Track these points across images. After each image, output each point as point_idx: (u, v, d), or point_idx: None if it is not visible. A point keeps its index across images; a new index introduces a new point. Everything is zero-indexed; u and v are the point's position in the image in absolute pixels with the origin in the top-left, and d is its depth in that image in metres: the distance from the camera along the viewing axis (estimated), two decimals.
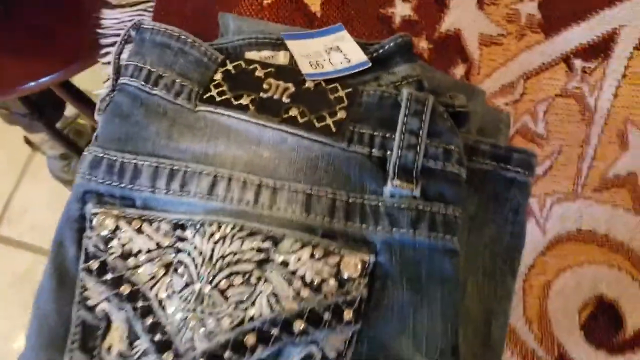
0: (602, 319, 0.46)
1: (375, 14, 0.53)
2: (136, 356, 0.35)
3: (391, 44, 0.42)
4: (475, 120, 0.42)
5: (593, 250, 0.48)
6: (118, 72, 0.41)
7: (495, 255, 0.39)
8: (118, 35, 0.59)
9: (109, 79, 0.59)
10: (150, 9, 0.59)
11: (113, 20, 0.59)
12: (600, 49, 0.52)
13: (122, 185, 0.37)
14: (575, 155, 0.50)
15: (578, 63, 0.52)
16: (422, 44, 0.52)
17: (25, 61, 0.62)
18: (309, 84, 0.39)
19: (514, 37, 0.52)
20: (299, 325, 0.33)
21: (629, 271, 0.47)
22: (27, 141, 1.29)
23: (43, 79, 0.61)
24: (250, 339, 0.33)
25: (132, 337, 0.35)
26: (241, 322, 0.34)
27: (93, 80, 0.78)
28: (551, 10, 0.53)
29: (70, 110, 1.27)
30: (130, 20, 0.59)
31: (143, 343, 0.35)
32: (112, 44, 0.59)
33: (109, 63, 0.59)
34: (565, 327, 0.46)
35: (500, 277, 0.39)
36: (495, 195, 0.40)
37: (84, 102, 0.83)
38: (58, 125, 1.21)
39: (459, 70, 0.51)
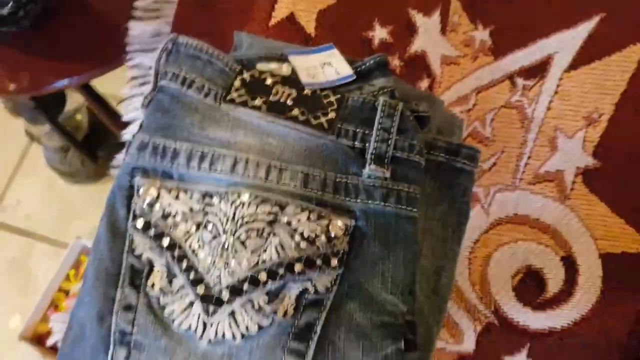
0: (530, 283, 0.57)
1: (358, 37, 0.63)
2: (175, 290, 0.44)
3: (371, 62, 0.51)
4: (435, 123, 0.51)
5: (526, 230, 0.58)
6: (157, 76, 0.51)
7: (446, 226, 0.49)
8: (142, 43, 0.69)
9: (132, 79, 0.69)
10: (170, 22, 0.68)
11: (138, 31, 0.68)
12: (538, 70, 0.63)
13: (164, 163, 0.47)
14: (515, 155, 0.60)
15: (520, 81, 0.62)
16: (396, 62, 0.63)
17: (58, 62, 0.71)
18: (307, 91, 0.48)
19: (469, 59, 0.63)
20: (298, 267, 0.43)
21: (552, 248, 0.58)
22: (28, 133, 1.36)
23: (76, 78, 0.70)
24: (262, 276, 0.43)
25: (171, 277, 0.45)
26: (256, 264, 0.43)
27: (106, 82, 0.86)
28: (500, 38, 0.63)
29: (69, 105, 1.35)
30: (152, 31, 0.69)
31: (180, 280, 0.44)
32: (138, 51, 0.69)
33: (134, 67, 0.69)
34: (501, 288, 0.57)
35: (450, 242, 0.49)
36: (447, 181, 0.49)
37: (97, 100, 0.92)
38: (59, 119, 1.29)
39: (424, 84, 0.62)
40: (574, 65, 0.63)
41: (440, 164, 0.50)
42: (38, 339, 1.24)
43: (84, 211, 1.45)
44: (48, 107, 1.20)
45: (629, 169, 0.60)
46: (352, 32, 0.63)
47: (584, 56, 0.63)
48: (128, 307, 0.44)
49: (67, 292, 1.26)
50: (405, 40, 0.63)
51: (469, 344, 0.56)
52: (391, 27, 0.64)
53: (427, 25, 0.64)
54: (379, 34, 0.64)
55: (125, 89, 0.68)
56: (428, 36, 0.63)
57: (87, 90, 0.87)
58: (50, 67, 0.72)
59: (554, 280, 0.57)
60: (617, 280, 0.57)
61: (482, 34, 0.64)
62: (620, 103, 0.62)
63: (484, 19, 0.64)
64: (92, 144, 1.39)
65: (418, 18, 0.64)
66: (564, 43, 0.64)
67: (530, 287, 0.57)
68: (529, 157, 0.61)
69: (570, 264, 0.58)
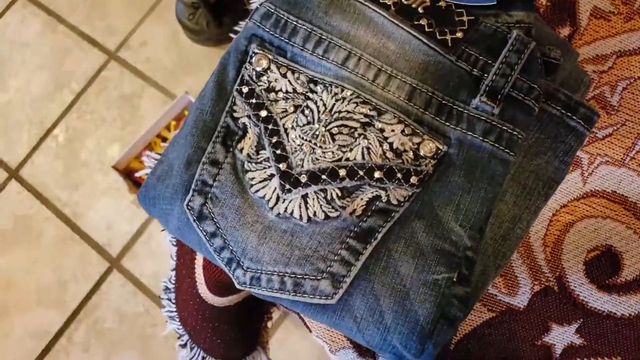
0: (604, 263, 0.54)
1: None
2: (260, 160, 0.46)
3: None
4: (561, 74, 0.49)
5: (619, 210, 0.55)
6: None
7: (538, 180, 0.47)
8: None
9: None
10: None
11: None
12: None
13: (282, 38, 0.48)
14: (636, 132, 0.56)
15: None
16: (543, 0, 0.59)
17: None
18: (442, 3, 0.47)
19: (622, 18, 0.58)
20: (378, 175, 0.44)
21: None
22: None
23: None
24: (342, 172, 0.44)
25: (259, 147, 0.47)
26: (340, 159, 0.44)
27: None
28: None
29: None
30: None
31: (267, 152, 0.46)
32: None
33: None
34: (572, 258, 0.55)
35: (535, 196, 0.47)
36: (555, 136, 0.47)
37: None
38: None
39: (564, 31, 0.58)
40: None
41: (553, 117, 0.47)
42: (128, 172, 1.34)
43: (198, 70, 1.51)
44: None
45: None
46: None
47: None
48: (214, 162, 0.47)
49: (164, 139, 1.34)
50: None
51: (521, 300, 0.55)
52: None
53: None
54: None
55: None
56: None
57: None
58: None
59: (631, 268, 0.54)
60: None
61: None
62: None
63: None
64: (220, 8, 1.42)
65: None
66: None
67: (603, 266, 0.55)
68: None
69: None
